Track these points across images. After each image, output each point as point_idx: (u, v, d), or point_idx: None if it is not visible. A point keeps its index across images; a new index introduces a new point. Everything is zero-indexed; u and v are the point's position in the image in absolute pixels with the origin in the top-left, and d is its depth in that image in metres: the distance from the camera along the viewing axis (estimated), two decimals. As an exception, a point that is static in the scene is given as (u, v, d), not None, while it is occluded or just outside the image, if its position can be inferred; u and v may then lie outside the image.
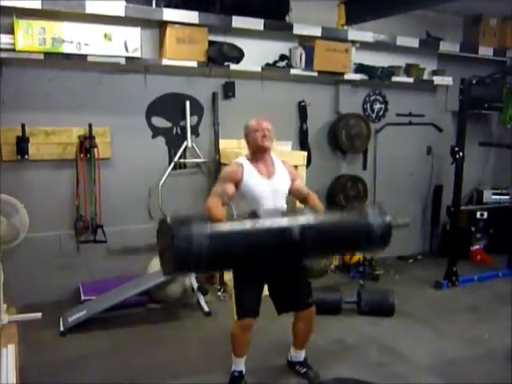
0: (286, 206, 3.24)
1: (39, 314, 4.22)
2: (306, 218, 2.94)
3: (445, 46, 5.88)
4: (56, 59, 4.25)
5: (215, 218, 2.82)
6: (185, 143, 4.95)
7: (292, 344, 3.50)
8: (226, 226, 2.83)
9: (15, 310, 4.29)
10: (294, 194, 3.35)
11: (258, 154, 3.19)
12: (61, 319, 4.11)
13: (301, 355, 3.49)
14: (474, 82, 5.28)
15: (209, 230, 2.71)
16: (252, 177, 3.13)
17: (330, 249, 3.24)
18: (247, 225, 2.85)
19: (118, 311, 4.29)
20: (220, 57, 4.75)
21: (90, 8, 4.16)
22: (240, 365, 3.28)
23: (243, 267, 3.04)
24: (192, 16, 4.55)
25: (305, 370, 3.44)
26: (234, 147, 5.04)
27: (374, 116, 5.97)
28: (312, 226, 2.93)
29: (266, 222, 2.87)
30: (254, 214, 2.95)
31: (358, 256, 5.72)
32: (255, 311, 3.15)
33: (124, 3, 4.30)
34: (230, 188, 3.07)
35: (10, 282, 4.11)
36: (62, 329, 4.02)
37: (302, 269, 3.29)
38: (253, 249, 2.85)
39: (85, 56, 4.26)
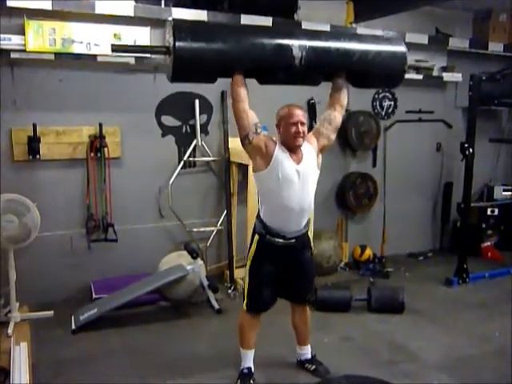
0: (314, 190, 3.18)
1: (51, 313, 4.29)
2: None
3: (454, 43, 5.85)
4: (66, 59, 4.28)
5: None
6: (194, 142, 4.97)
7: (296, 342, 3.51)
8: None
9: (27, 308, 4.35)
10: (330, 131, 3.24)
11: (288, 145, 3.03)
12: (72, 317, 4.14)
13: (307, 352, 3.49)
14: (483, 78, 5.26)
15: (211, 39, 2.71)
16: (282, 156, 2.98)
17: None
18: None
19: (128, 309, 4.32)
20: (229, 55, 4.76)
21: (100, 8, 4.19)
22: (248, 361, 3.29)
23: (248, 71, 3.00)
24: (201, 15, 4.56)
25: (314, 366, 3.44)
26: (243, 145, 5.05)
27: (383, 113, 5.95)
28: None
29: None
30: None
31: (368, 253, 5.73)
32: (267, 307, 3.22)
33: (133, 3, 4.32)
34: (255, 141, 2.95)
35: (22, 280, 4.17)
36: (73, 327, 4.04)
37: (309, 264, 3.30)
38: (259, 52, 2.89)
39: (95, 56, 4.29)
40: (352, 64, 3.09)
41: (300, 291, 3.32)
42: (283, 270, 3.17)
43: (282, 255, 3.12)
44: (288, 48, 2.87)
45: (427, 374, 3.49)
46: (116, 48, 2.77)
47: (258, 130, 2.94)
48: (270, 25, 4.81)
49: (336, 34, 3.25)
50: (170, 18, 2.77)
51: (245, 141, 2.96)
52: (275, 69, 2.98)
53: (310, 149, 3.12)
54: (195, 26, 2.79)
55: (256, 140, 2.94)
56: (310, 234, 3.35)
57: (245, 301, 3.22)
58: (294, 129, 2.97)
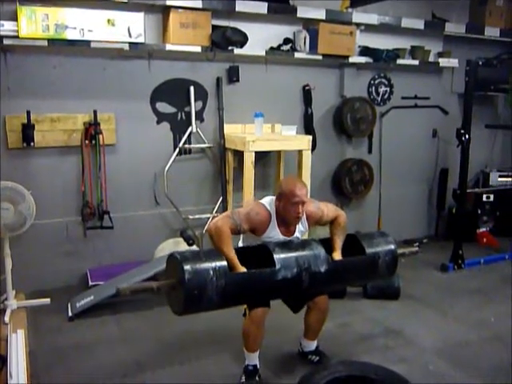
0: None
1: (48, 300, 4.29)
2: (314, 262, 3.04)
3: (450, 28, 5.82)
4: (60, 46, 4.23)
5: (225, 255, 2.86)
6: (189, 129, 4.94)
7: (303, 335, 3.45)
8: (239, 274, 2.87)
9: (24, 296, 4.35)
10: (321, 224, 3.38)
11: (285, 220, 3.15)
12: (69, 305, 4.15)
13: (313, 345, 3.45)
14: (480, 63, 5.24)
15: (222, 280, 2.76)
16: (273, 233, 3.13)
17: (337, 285, 3.59)
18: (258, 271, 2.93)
19: (125, 296, 4.31)
20: (224, 41, 4.72)
21: (93, -7, 4.16)
22: (253, 359, 3.19)
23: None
24: (195, 0, 4.51)
25: (318, 358, 3.41)
26: (238, 132, 5.04)
27: (379, 99, 5.93)
28: (321, 271, 3.05)
29: (278, 272, 2.94)
30: (263, 247, 3.03)
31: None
32: (265, 302, 3.13)
33: (127, -12, 4.27)
34: (247, 228, 3.05)
35: (18, 268, 4.17)
36: (70, 314, 4.05)
37: None
38: (263, 291, 3.00)
39: (88, 42, 4.24)
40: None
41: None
42: None
43: None
44: (297, 285, 3.01)
45: (423, 358, 3.51)
46: (122, 292, 2.79)
47: (243, 226, 3.03)
48: (266, 11, 4.78)
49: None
50: (178, 256, 2.81)
51: (240, 232, 3.09)
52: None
53: (302, 225, 3.26)
54: (203, 272, 2.77)
55: (247, 226, 3.04)
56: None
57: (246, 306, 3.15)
58: (294, 209, 3.05)
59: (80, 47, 4.28)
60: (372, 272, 3.34)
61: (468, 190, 5.68)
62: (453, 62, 5.99)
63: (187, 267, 2.70)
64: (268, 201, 3.18)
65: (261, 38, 5.03)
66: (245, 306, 3.13)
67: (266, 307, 3.09)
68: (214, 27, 4.71)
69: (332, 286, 3.38)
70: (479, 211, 6.35)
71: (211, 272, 2.73)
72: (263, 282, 2.94)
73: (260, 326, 3.09)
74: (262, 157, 5.13)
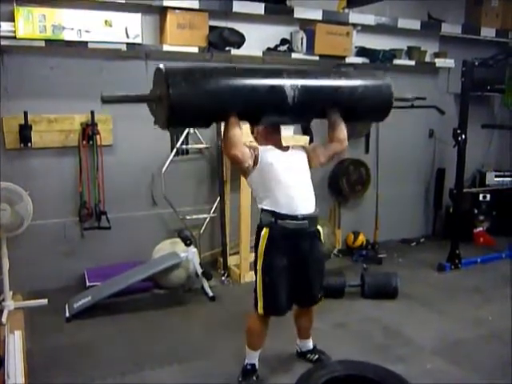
0: (308, 174, 3.16)
1: (45, 301, 4.29)
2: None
3: (446, 28, 5.83)
4: (57, 46, 4.23)
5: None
6: (187, 129, 4.95)
7: (297, 336, 3.46)
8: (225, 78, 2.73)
9: (21, 296, 4.34)
10: (322, 154, 3.24)
11: (270, 136, 3.07)
12: (66, 305, 4.14)
13: (309, 344, 3.46)
14: (476, 63, 5.25)
15: (206, 84, 2.65)
16: (267, 150, 2.99)
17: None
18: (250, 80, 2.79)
19: (123, 297, 4.33)
20: (221, 42, 4.73)
21: (90, -6, 4.15)
22: (253, 358, 3.18)
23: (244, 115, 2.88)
24: (192, 1, 4.52)
25: (317, 356, 3.42)
26: (236, 132, 5.03)
27: (376, 99, 5.93)
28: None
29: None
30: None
31: (361, 239, 5.75)
32: (285, 308, 3.05)
33: (124, -11, 4.27)
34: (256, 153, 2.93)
35: (15, 269, 4.17)
36: (67, 315, 4.05)
37: (319, 261, 3.16)
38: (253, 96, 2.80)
39: (85, 43, 4.24)
40: (342, 100, 3.09)
41: (312, 289, 3.14)
42: (297, 264, 2.99)
43: (295, 244, 2.98)
44: (281, 87, 2.83)
45: (421, 357, 3.52)
46: (107, 99, 2.73)
47: (255, 152, 2.93)
48: (263, 12, 4.79)
49: (325, 71, 3.26)
50: (161, 66, 2.70)
51: (248, 171, 2.97)
52: (269, 110, 2.93)
53: (298, 151, 3.18)
54: (186, 72, 2.72)
55: (252, 160, 2.92)
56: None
57: (259, 303, 2.98)
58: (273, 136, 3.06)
59: (77, 48, 4.29)
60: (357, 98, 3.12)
61: (465, 190, 5.70)
62: (449, 63, 6.01)
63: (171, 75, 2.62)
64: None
65: (258, 38, 5.03)
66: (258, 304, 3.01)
67: (283, 314, 3.07)
68: (211, 28, 4.72)
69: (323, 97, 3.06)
70: (476, 211, 6.37)
71: (197, 76, 2.65)
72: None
73: (267, 326, 3.10)
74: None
